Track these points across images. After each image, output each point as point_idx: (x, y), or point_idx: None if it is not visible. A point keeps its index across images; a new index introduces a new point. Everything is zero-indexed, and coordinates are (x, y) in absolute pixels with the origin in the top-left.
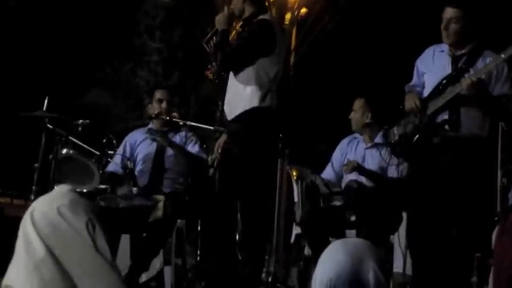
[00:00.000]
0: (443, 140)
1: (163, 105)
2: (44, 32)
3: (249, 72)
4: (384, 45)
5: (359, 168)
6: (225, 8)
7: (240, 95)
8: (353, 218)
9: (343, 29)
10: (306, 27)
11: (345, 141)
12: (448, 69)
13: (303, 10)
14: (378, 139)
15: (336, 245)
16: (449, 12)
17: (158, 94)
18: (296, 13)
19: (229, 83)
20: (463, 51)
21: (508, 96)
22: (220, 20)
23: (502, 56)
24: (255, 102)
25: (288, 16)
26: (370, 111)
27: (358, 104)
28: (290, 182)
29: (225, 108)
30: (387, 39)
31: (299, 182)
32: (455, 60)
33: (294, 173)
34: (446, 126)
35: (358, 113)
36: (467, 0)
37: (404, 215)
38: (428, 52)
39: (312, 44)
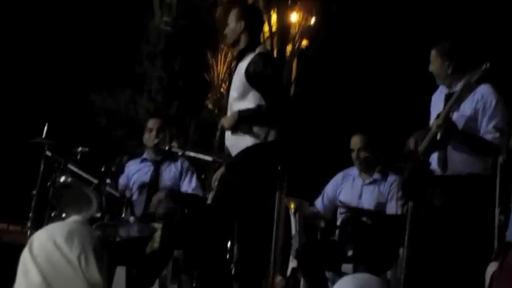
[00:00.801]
0: (433, 180)
1: (153, 134)
2: (45, 58)
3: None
4: (385, 79)
5: (358, 210)
6: (235, 113)
7: (245, 130)
8: (350, 252)
9: (343, 61)
10: (306, 59)
11: (339, 176)
12: (441, 107)
13: (304, 42)
14: (376, 176)
15: (347, 279)
16: None
17: (149, 123)
18: (297, 45)
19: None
20: (453, 90)
21: (499, 130)
22: (228, 122)
23: (467, 76)
24: (261, 138)
25: (289, 48)
26: (369, 147)
27: (356, 140)
28: (288, 214)
29: (227, 142)
30: (389, 73)
31: (296, 214)
32: (447, 98)
33: (292, 205)
34: (434, 166)
35: (361, 152)
36: None
37: (400, 251)
38: (440, 88)
39: (312, 75)
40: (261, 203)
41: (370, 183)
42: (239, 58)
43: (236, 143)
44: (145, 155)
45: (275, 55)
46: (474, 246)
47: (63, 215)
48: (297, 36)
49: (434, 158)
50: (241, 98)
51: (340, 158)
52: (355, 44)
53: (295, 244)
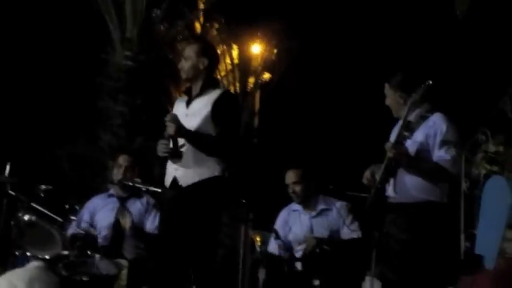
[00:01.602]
0: (389, 206)
1: (122, 170)
2: (5, 98)
3: None
4: (344, 109)
5: (318, 242)
6: (170, 116)
7: (201, 163)
8: (317, 283)
9: (305, 92)
10: (268, 91)
11: (283, 214)
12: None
13: (266, 75)
14: (321, 206)
15: None
16: None
17: (120, 159)
18: (259, 77)
19: (186, 149)
20: (409, 119)
21: (449, 155)
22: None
23: (413, 95)
24: (217, 172)
25: (251, 80)
26: (303, 181)
27: (292, 175)
28: (254, 246)
29: (177, 173)
30: (347, 104)
31: (262, 247)
32: (401, 128)
33: (257, 238)
34: (390, 193)
35: (297, 186)
36: None
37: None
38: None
39: (275, 106)
40: (216, 238)
41: (317, 214)
42: (198, 94)
43: (189, 174)
44: (111, 191)
45: (237, 87)
46: (440, 272)
47: (28, 253)
48: (259, 68)
49: (389, 185)
50: (200, 130)
51: None
52: (316, 75)
53: (261, 277)
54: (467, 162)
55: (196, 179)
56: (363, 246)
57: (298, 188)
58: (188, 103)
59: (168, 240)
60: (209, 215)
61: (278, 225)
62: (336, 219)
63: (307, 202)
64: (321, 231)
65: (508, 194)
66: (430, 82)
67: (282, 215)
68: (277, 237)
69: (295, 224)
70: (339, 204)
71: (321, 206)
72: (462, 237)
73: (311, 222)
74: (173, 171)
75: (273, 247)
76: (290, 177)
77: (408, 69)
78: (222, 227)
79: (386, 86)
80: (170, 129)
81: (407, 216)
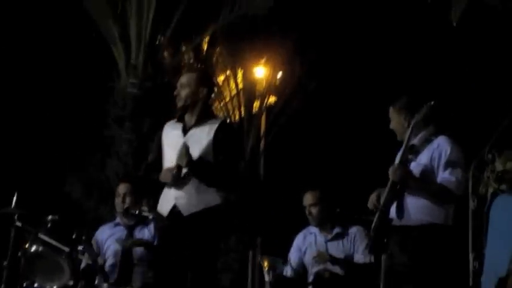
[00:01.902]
0: (393, 230)
1: (125, 199)
2: (12, 128)
3: None
4: (352, 128)
5: (331, 259)
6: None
7: (204, 192)
8: None
9: (311, 113)
10: (274, 114)
11: (299, 237)
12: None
13: (272, 98)
14: (337, 229)
15: None
16: None
17: (120, 189)
18: (264, 100)
19: (191, 183)
20: (413, 142)
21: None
22: (166, 177)
23: (416, 115)
24: (219, 200)
25: (256, 104)
26: (320, 203)
27: (309, 197)
28: (262, 271)
29: (179, 201)
30: (353, 127)
31: (270, 272)
32: (405, 150)
33: (265, 263)
34: (394, 216)
35: (313, 208)
36: None
37: None
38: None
39: (281, 129)
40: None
41: (333, 238)
42: (197, 122)
43: (194, 202)
44: (117, 220)
45: (242, 111)
46: None
47: (36, 285)
48: (265, 91)
49: (393, 207)
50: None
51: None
52: (323, 96)
53: None
54: (475, 181)
55: (199, 208)
56: (375, 271)
57: (315, 210)
58: (184, 130)
59: (170, 269)
60: (212, 244)
61: (294, 247)
62: (350, 243)
63: (323, 225)
64: (336, 255)
65: None
66: (432, 102)
67: (299, 238)
68: (287, 263)
69: (310, 247)
70: (354, 228)
71: (336, 230)
72: (471, 257)
73: (327, 245)
74: (172, 199)
75: (288, 271)
76: (307, 199)
77: (412, 91)
78: (230, 252)
79: (391, 109)
80: (182, 160)
81: (411, 239)
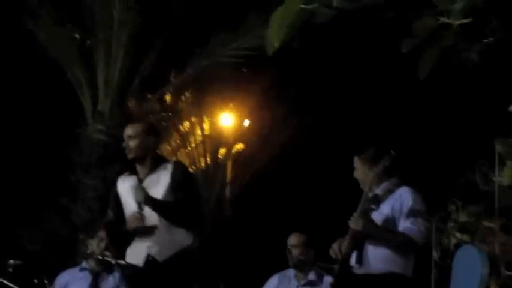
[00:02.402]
0: (354, 278)
1: (102, 245)
2: None
3: None
4: (320, 178)
5: None
6: (137, 185)
7: (174, 233)
8: None
9: (277, 163)
10: (241, 162)
11: (274, 278)
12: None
13: (239, 145)
14: (312, 276)
15: None
16: None
17: (101, 233)
18: (231, 148)
19: (158, 223)
20: (375, 192)
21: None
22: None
23: (378, 166)
24: (189, 240)
25: (222, 151)
26: (304, 247)
27: (294, 238)
28: None
29: (152, 250)
30: (322, 173)
31: None
32: (367, 200)
33: None
34: (354, 264)
35: (294, 249)
36: None
37: None
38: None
39: (247, 177)
40: None
41: (305, 284)
42: (150, 170)
43: (166, 247)
44: (84, 264)
45: (208, 159)
46: None
47: None
48: (231, 139)
49: (353, 256)
50: None
51: (278, 259)
52: (288, 144)
53: None
54: (438, 232)
55: (174, 250)
56: None
57: (295, 252)
58: (140, 181)
59: None
60: (188, 285)
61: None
62: None
63: (300, 269)
64: None
65: (479, 264)
66: (393, 153)
67: (273, 280)
68: None
69: None
70: (329, 278)
71: (311, 276)
72: None
73: None
74: (145, 248)
75: None
76: (292, 239)
77: (379, 143)
78: None
79: (356, 158)
80: (139, 196)
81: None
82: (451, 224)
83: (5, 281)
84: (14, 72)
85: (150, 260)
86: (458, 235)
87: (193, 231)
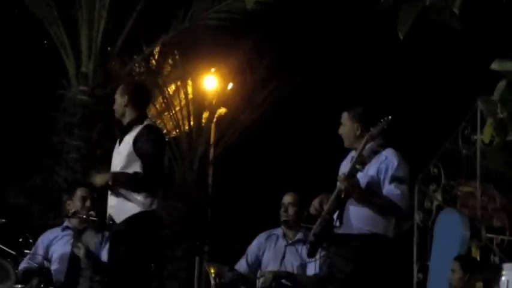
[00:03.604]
0: (335, 237)
1: (87, 203)
2: None
3: None
4: (300, 140)
5: (275, 277)
6: (109, 173)
7: (130, 200)
8: None
9: (260, 125)
10: (224, 125)
11: (262, 235)
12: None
13: (221, 110)
14: (299, 236)
15: None
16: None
17: (81, 192)
18: (214, 111)
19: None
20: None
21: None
22: (100, 179)
23: (372, 129)
24: (145, 207)
25: (205, 114)
26: (298, 205)
27: (288, 196)
28: (208, 279)
29: (110, 210)
30: (303, 134)
31: (217, 279)
32: (358, 160)
33: (212, 271)
34: (336, 223)
35: (291, 208)
36: None
37: None
38: (349, 155)
39: (230, 140)
40: (148, 271)
41: (293, 243)
42: (126, 130)
43: (120, 211)
44: (67, 223)
45: (191, 122)
46: None
47: None
48: (214, 102)
49: (335, 215)
50: (125, 168)
51: (261, 222)
52: (272, 107)
53: None
54: (421, 194)
55: (125, 216)
56: (323, 284)
57: (292, 210)
58: (120, 141)
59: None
60: (137, 250)
61: (254, 244)
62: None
63: (290, 227)
64: (292, 261)
65: (460, 227)
66: (390, 118)
67: (261, 237)
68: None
69: (269, 248)
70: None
71: (299, 236)
72: (415, 269)
73: (285, 250)
74: (109, 208)
75: (242, 267)
76: (288, 197)
77: (369, 102)
78: (176, 260)
79: (345, 114)
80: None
81: (351, 248)
82: (433, 187)
83: None
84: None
85: (111, 219)
86: (440, 198)
87: (149, 198)
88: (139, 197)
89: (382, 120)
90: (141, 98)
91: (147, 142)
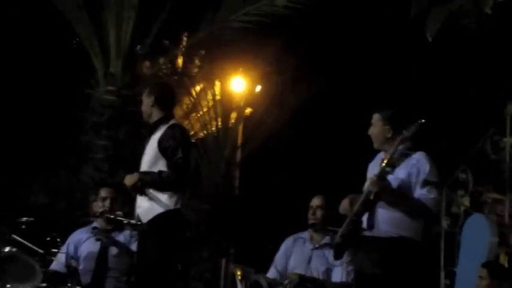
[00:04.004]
0: (362, 239)
1: (107, 203)
2: None
3: None
4: (328, 142)
5: (301, 280)
6: (136, 173)
7: (155, 200)
8: None
9: (288, 127)
10: (251, 126)
11: (289, 240)
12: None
13: (248, 110)
14: (326, 240)
15: None
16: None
17: (103, 192)
18: (241, 113)
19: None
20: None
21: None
22: (129, 180)
23: (405, 132)
24: (170, 206)
25: (233, 115)
26: (327, 209)
27: (316, 199)
28: (234, 281)
29: (138, 211)
30: (331, 137)
31: (243, 281)
32: (389, 162)
33: (238, 272)
34: (364, 226)
35: (319, 211)
36: None
37: None
38: (377, 156)
39: (258, 142)
40: (175, 268)
41: (320, 247)
42: (152, 130)
43: (146, 211)
44: (95, 224)
45: (219, 122)
46: None
47: (7, 286)
48: (242, 104)
49: (365, 218)
50: (151, 167)
51: (288, 224)
52: (301, 109)
53: None
54: (448, 200)
55: (151, 215)
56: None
57: (320, 213)
58: (148, 141)
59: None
60: (163, 249)
61: (282, 250)
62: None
63: (317, 231)
64: (318, 266)
65: (488, 233)
66: (423, 121)
67: (288, 242)
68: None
69: (296, 252)
70: None
71: (325, 241)
72: (442, 274)
73: (311, 254)
74: (137, 208)
75: (273, 272)
76: (317, 200)
77: (398, 104)
78: (202, 261)
79: (376, 116)
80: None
81: (380, 251)
82: (461, 193)
83: (17, 238)
84: (28, 34)
85: (139, 220)
86: (467, 203)
87: (175, 197)
88: (164, 197)
89: (415, 123)
90: (166, 98)
91: (171, 140)
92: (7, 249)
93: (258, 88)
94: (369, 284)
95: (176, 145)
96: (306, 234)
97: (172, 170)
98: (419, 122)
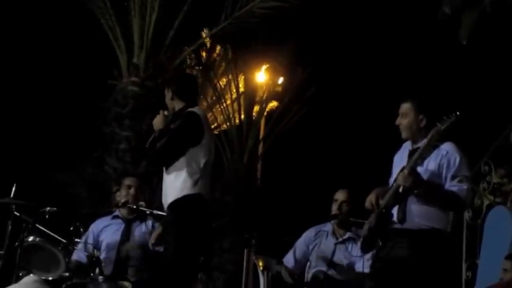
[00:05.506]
0: (392, 232)
1: (132, 191)
2: (13, 119)
3: (179, 162)
4: (350, 135)
5: (325, 278)
6: (161, 111)
7: (172, 185)
8: None
9: (310, 120)
10: (274, 119)
11: (311, 231)
12: (405, 163)
13: (272, 104)
14: (350, 234)
15: None
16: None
17: (127, 181)
18: (264, 105)
19: (164, 175)
20: (418, 145)
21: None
22: (157, 122)
23: (438, 124)
24: (186, 191)
25: (256, 108)
26: (352, 203)
27: (341, 193)
28: (257, 272)
29: (162, 199)
30: (353, 129)
31: (265, 272)
32: (411, 154)
33: (260, 263)
34: (394, 219)
35: (344, 205)
36: None
37: None
38: (403, 147)
39: (280, 134)
40: (197, 256)
41: (343, 241)
42: (173, 121)
43: (167, 196)
44: (117, 213)
45: (242, 116)
46: None
47: (31, 275)
48: (264, 97)
49: (395, 211)
50: None
51: (310, 215)
52: (322, 102)
53: None
54: (471, 193)
55: (170, 201)
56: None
57: (344, 207)
58: None
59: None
60: (183, 237)
61: (302, 239)
62: (357, 250)
63: (342, 224)
64: (341, 259)
65: (510, 224)
66: (458, 114)
67: (310, 233)
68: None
69: (319, 245)
70: None
71: (349, 234)
72: (464, 266)
73: (335, 247)
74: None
75: (289, 261)
76: (342, 195)
77: (435, 94)
78: (224, 252)
79: (407, 105)
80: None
81: (409, 241)
82: (483, 185)
83: (41, 227)
84: (52, 26)
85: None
86: (491, 196)
87: (190, 181)
88: (179, 181)
89: (451, 116)
90: (185, 88)
91: (176, 125)
92: (30, 238)
93: (281, 80)
94: (395, 271)
95: (177, 126)
96: (328, 227)
97: (154, 152)
98: (455, 114)
